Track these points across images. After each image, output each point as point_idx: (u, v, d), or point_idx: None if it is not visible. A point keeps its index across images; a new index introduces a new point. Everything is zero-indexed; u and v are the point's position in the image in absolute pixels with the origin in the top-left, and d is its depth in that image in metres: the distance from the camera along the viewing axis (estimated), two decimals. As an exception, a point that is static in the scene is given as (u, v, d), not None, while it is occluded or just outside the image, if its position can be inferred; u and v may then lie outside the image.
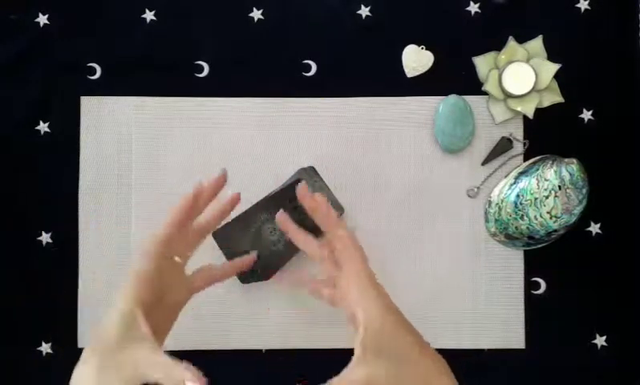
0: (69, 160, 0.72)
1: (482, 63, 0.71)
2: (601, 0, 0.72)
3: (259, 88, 0.72)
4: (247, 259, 0.63)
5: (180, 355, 0.71)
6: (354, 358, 0.47)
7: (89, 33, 0.72)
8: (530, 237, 0.68)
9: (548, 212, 0.66)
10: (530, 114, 0.70)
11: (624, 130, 0.71)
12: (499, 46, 0.71)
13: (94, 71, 0.72)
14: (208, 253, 0.70)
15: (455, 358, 0.71)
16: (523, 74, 0.69)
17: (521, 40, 0.71)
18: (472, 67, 0.71)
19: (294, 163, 0.71)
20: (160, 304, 0.52)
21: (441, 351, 0.71)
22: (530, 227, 0.67)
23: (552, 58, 0.70)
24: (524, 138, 0.71)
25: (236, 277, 0.68)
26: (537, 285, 0.71)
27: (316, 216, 0.55)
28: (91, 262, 0.71)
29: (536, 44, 0.71)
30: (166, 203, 0.71)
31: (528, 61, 0.70)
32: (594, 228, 0.71)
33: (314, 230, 0.66)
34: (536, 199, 0.66)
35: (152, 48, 0.72)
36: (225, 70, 0.72)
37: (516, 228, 0.68)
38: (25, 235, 0.72)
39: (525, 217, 0.67)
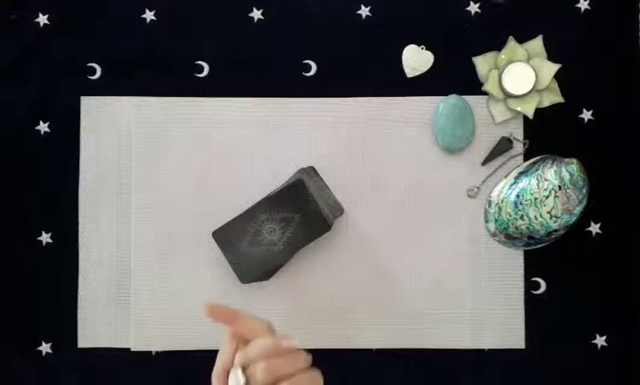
0: (69, 160, 0.72)
1: (482, 63, 0.71)
2: (601, 0, 0.72)
3: (259, 88, 0.72)
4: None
5: (180, 355, 0.71)
6: None
7: (89, 33, 0.72)
8: (530, 237, 0.68)
9: (548, 212, 0.66)
10: (530, 114, 0.70)
11: (624, 130, 0.71)
12: (499, 46, 0.71)
13: (94, 71, 0.72)
14: (208, 253, 0.71)
15: (455, 358, 0.71)
16: (523, 74, 0.69)
17: (521, 40, 0.71)
18: (472, 67, 0.71)
19: (294, 163, 0.71)
20: None
21: (441, 351, 0.71)
22: (530, 227, 0.67)
23: (552, 58, 0.70)
24: (524, 138, 0.71)
25: (235, 277, 0.68)
26: (537, 285, 0.71)
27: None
28: (91, 262, 0.71)
29: (536, 44, 0.71)
30: (166, 203, 0.71)
31: (528, 61, 0.70)
32: (594, 228, 0.71)
33: (315, 234, 0.67)
34: (536, 199, 0.66)
35: (152, 48, 0.72)
36: (225, 70, 0.72)
37: (516, 228, 0.68)
38: (25, 235, 0.72)
39: (525, 217, 0.67)
